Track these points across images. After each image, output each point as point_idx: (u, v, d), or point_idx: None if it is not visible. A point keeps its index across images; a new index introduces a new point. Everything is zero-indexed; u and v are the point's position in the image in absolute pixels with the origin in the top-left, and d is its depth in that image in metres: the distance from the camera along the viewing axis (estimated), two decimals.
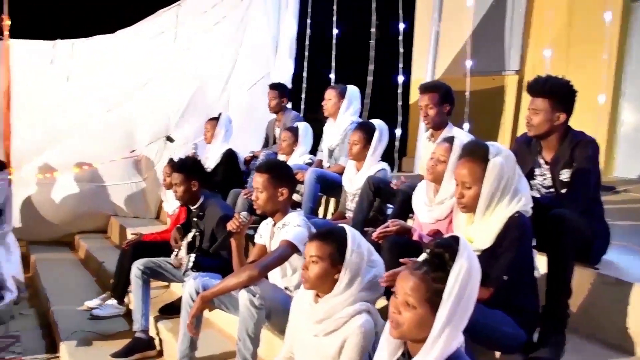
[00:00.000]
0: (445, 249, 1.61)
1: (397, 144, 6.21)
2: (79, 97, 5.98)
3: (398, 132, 6.21)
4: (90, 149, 6.10)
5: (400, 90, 6.18)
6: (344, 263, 2.12)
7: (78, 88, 5.98)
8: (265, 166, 2.95)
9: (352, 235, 2.18)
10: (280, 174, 2.92)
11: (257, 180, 2.89)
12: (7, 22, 5.77)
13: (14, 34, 5.83)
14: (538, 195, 2.71)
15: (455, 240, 1.64)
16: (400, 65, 6.09)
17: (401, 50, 6.05)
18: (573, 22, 5.93)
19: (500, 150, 2.27)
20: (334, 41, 6.46)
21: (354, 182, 3.80)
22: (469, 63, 5.79)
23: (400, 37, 6.08)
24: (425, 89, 3.55)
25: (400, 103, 6.19)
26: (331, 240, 2.17)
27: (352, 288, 2.12)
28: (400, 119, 6.22)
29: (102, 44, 6.09)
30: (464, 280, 1.56)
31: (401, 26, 6.06)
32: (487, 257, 2.24)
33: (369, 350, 2.01)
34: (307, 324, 2.21)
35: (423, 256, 1.69)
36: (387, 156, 3.99)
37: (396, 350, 1.73)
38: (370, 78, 6.14)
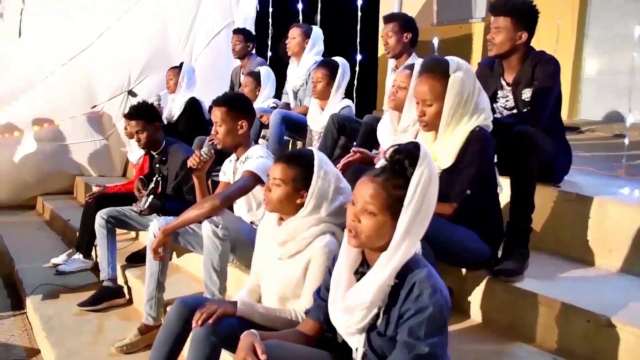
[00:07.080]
0: (405, 156, 1.57)
1: None
2: (33, 52, 5.73)
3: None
4: (49, 106, 5.86)
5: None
6: (309, 189, 2.05)
7: (32, 43, 5.73)
8: (223, 99, 2.87)
9: (320, 160, 2.09)
10: (239, 106, 2.86)
11: (216, 113, 2.83)
12: None
13: None
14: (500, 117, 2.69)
15: (415, 146, 1.59)
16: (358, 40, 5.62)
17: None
18: None
19: (461, 65, 2.21)
20: None
21: (318, 121, 3.76)
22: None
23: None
24: (385, 19, 3.61)
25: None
26: (297, 164, 2.08)
27: (317, 214, 2.06)
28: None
29: None
30: (424, 186, 1.53)
31: None
32: (450, 174, 2.22)
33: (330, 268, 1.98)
34: (271, 248, 2.15)
35: (382, 162, 1.64)
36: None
37: (355, 261, 1.70)
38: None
